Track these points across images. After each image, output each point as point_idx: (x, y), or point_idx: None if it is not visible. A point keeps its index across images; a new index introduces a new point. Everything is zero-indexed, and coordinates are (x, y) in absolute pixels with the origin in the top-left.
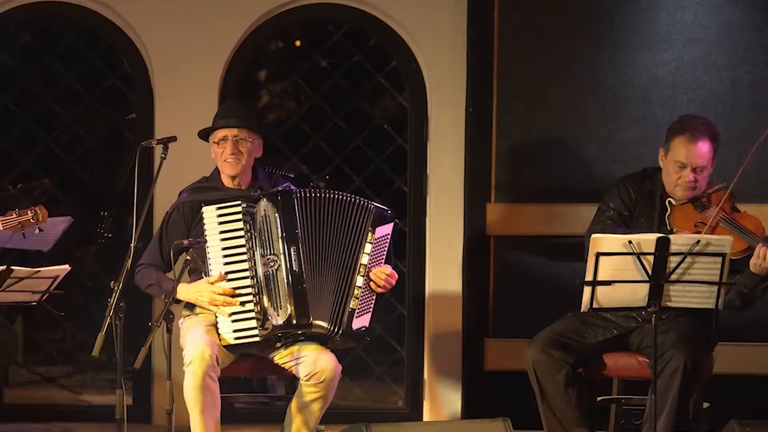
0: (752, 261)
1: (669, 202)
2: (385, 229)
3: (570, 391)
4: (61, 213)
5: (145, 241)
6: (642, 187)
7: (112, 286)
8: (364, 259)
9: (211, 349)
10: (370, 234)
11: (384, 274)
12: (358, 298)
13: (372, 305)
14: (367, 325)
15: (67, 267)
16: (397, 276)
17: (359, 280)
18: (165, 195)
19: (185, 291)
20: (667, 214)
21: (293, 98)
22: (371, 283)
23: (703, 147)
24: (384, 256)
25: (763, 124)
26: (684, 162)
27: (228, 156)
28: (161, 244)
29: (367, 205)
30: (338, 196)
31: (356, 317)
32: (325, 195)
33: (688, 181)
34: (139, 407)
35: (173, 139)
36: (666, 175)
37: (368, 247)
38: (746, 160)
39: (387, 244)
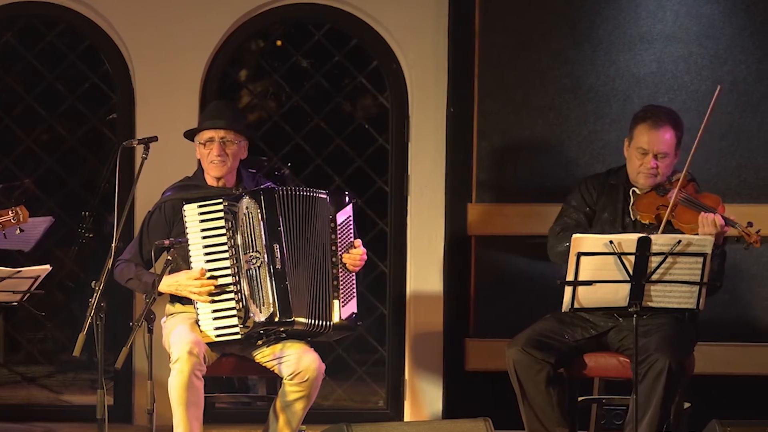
0: (699, 231)
1: (633, 191)
2: (346, 213)
3: (551, 391)
4: (42, 213)
5: (126, 241)
6: (605, 184)
7: (93, 286)
8: (335, 249)
9: (198, 347)
10: (333, 223)
11: (357, 254)
12: (339, 289)
13: (354, 289)
14: (355, 309)
15: (48, 267)
16: (365, 250)
17: (335, 271)
18: (146, 195)
19: (165, 283)
20: (631, 203)
21: (274, 98)
22: (348, 266)
23: (665, 134)
24: (351, 238)
25: (744, 123)
26: (646, 148)
27: (214, 158)
28: (142, 244)
29: (320, 195)
30: (300, 193)
31: (343, 306)
32: (297, 192)
33: (649, 167)
34: (120, 407)
35: (154, 139)
36: (629, 163)
37: (335, 236)
38: (697, 138)
39: (351, 226)
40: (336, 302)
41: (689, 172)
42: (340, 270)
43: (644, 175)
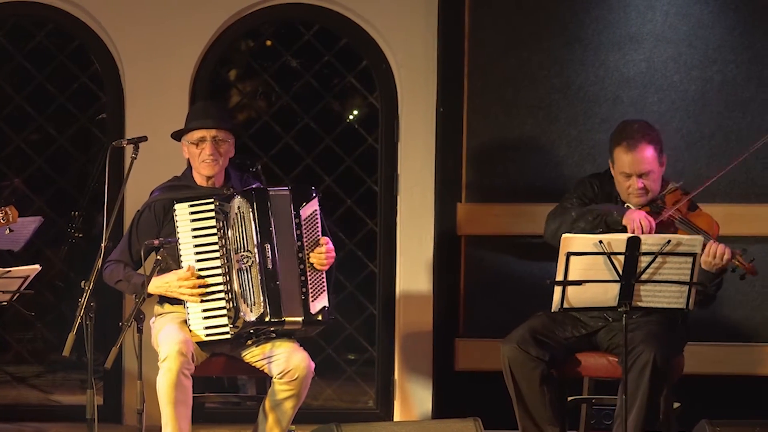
0: (703, 258)
1: (627, 206)
2: (311, 207)
3: (544, 389)
4: (31, 213)
5: (115, 240)
6: (603, 187)
7: (82, 286)
8: (301, 244)
9: (186, 346)
10: (299, 218)
11: (322, 253)
12: (308, 284)
13: (324, 283)
14: (327, 304)
15: (37, 267)
16: (333, 247)
17: (302, 266)
18: (135, 195)
19: (154, 284)
20: None
21: (264, 98)
22: (315, 265)
23: (644, 152)
24: (319, 233)
25: (733, 123)
26: (628, 172)
27: (207, 157)
28: (131, 243)
29: (279, 192)
30: (283, 192)
31: (312, 301)
32: (284, 192)
33: (637, 189)
34: (110, 407)
35: (144, 138)
36: (618, 184)
37: (300, 231)
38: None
39: (318, 220)
40: (303, 298)
41: (683, 188)
42: (307, 265)
43: (635, 196)
